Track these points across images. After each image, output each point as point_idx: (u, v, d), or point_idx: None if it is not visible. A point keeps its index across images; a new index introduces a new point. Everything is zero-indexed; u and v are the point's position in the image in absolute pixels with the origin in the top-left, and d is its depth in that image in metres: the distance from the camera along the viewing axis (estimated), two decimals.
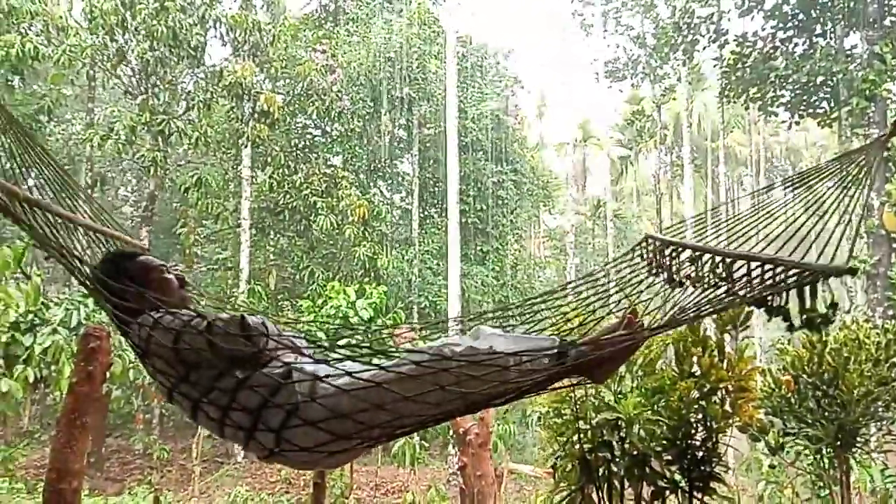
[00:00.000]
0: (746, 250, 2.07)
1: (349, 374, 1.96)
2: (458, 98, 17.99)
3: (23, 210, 2.09)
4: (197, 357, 1.99)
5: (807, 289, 1.73)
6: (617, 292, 2.57)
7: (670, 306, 2.25)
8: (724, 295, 2.10)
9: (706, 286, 2.19)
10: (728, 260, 2.11)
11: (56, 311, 10.56)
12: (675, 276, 2.39)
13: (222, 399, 1.98)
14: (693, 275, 2.30)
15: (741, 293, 2.01)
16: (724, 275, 2.13)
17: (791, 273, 1.80)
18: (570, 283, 2.87)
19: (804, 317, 1.75)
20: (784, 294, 1.83)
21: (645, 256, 2.63)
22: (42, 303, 10.53)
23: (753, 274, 1.96)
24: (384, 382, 1.93)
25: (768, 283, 1.89)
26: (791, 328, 1.83)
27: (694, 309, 2.19)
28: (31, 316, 10.41)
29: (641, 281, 2.52)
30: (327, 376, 1.96)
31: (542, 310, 2.57)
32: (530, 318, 2.56)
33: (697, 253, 2.30)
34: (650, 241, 2.62)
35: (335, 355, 2.05)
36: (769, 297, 1.88)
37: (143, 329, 2.05)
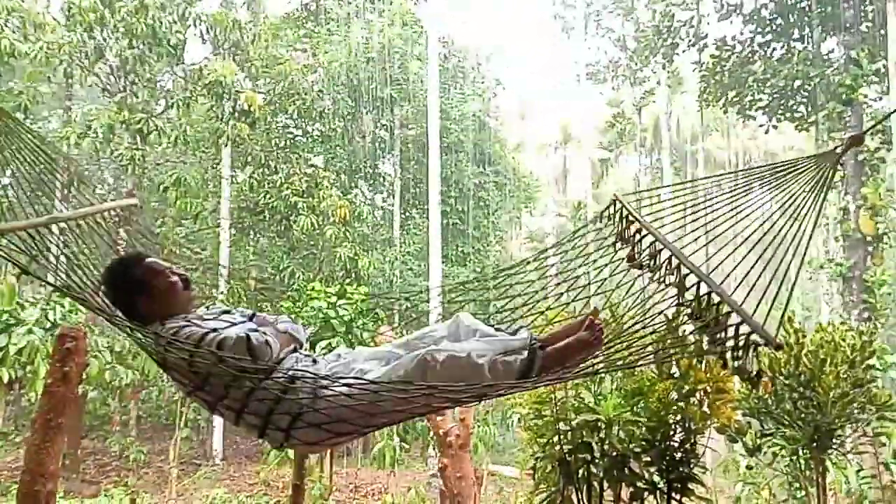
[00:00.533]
0: (702, 266, 2.12)
1: (346, 385, 2.22)
2: (439, 99, 18.00)
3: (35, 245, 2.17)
4: (209, 369, 2.22)
5: (741, 340, 1.78)
6: (582, 266, 2.72)
7: (612, 358, 2.42)
8: (676, 297, 2.20)
9: (659, 282, 2.29)
10: (683, 270, 2.17)
11: (31, 311, 10.42)
12: (636, 255, 2.48)
13: (235, 405, 2.25)
14: (651, 264, 2.37)
15: (687, 312, 2.09)
16: (675, 281, 2.18)
17: (728, 319, 1.88)
18: (541, 252, 3.09)
19: (735, 364, 1.79)
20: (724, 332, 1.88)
21: (611, 220, 2.70)
22: (17, 303, 10.38)
23: (701, 293, 2.00)
24: (378, 391, 2.20)
25: (710, 314, 1.93)
26: (724, 366, 1.90)
27: (651, 356, 2.35)
28: (6, 316, 10.26)
29: (604, 256, 2.68)
30: (326, 387, 2.21)
31: (515, 283, 2.90)
32: (505, 291, 2.93)
33: (659, 247, 2.36)
34: (617, 204, 2.69)
35: (331, 387, 2.25)
36: (711, 327, 1.94)
37: (160, 341, 2.27)
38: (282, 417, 2.21)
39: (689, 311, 2.08)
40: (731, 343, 1.77)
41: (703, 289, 2.03)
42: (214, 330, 2.26)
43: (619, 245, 2.66)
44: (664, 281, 2.25)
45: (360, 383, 2.21)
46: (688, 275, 2.13)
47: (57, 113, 19.73)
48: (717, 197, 2.51)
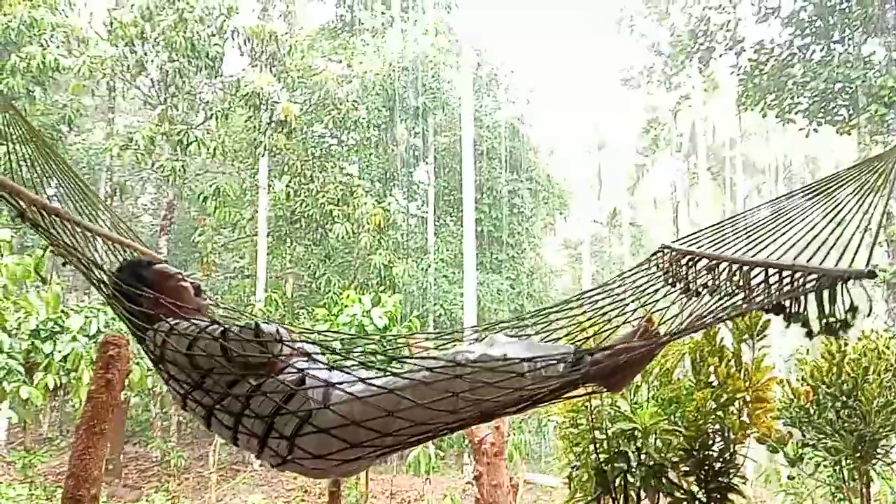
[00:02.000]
0: (764, 258, 2.06)
1: (362, 380, 1.97)
2: (473, 107, 18.04)
3: (41, 217, 2.13)
4: (211, 363, 2.00)
5: (825, 294, 1.71)
6: (632, 301, 2.56)
7: (687, 314, 2.25)
8: (741, 302, 2.09)
9: (723, 294, 2.18)
10: (745, 268, 2.09)
11: (76, 318, 10.66)
12: (691, 285, 2.38)
13: (235, 405, 2.00)
14: (710, 283, 2.28)
15: (758, 300, 1.99)
16: (741, 282, 2.11)
17: (809, 278, 1.78)
18: (585, 292, 2.85)
19: (823, 322, 1.72)
20: (802, 300, 1.81)
21: (661, 266, 2.61)
22: (62, 310, 10.64)
23: (771, 280, 1.94)
24: (397, 389, 1.93)
25: (786, 289, 1.87)
26: (810, 334, 1.81)
27: (711, 315, 2.18)
28: (50, 324, 10.52)
29: (657, 290, 2.51)
30: (341, 383, 1.97)
31: (558, 318, 2.54)
32: (545, 326, 2.53)
33: (714, 262, 2.29)
34: (666, 251, 2.61)
35: (349, 363, 2.08)
36: (787, 303, 1.86)
37: (158, 335, 2.08)
38: (288, 420, 1.95)
39: (761, 300, 2.02)
40: (823, 296, 1.70)
41: (772, 272, 1.97)
42: (219, 323, 2.10)
43: (671, 283, 2.56)
44: (731, 292, 2.19)
45: (378, 377, 1.99)
46: (752, 268, 2.08)
47: (100, 125, 20.22)
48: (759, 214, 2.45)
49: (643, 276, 2.65)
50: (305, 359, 2.08)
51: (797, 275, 1.84)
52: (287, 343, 2.04)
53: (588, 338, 2.41)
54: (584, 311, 2.63)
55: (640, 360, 2.21)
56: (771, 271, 1.94)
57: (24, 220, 2.07)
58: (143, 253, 2.79)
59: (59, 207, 2.26)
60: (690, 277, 2.39)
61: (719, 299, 2.18)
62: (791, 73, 17.44)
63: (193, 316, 2.16)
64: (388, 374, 2.02)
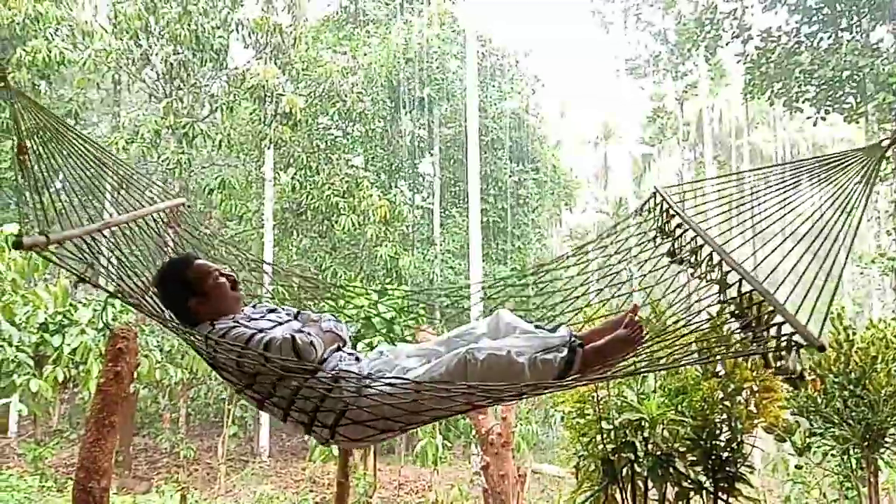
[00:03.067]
0: (744, 264, 2.08)
1: (389, 384, 2.27)
2: (478, 97, 17.99)
3: (90, 251, 2.29)
4: (256, 369, 2.31)
5: (783, 340, 1.74)
6: (622, 262, 2.69)
7: (648, 359, 2.40)
8: (717, 294, 2.19)
9: (700, 278, 2.26)
10: (724, 268, 2.13)
11: (84, 311, 10.72)
12: (676, 251, 2.44)
13: (282, 403, 2.33)
14: (692, 260, 2.33)
15: (730, 301, 2.05)
16: (717, 278, 2.14)
17: (772, 317, 1.84)
18: (581, 246, 3.03)
19: (777, 364, 1.75)
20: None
21: (651, 212, 2.66)
22: (70, 304, 10.70)
23: (743, 291, 1.96)
24: (420, 388, 2.24)
25: (751, 311, 1.90)
26: (767, 366, 1.86)
27: (677, 355, 2.30)
28: (59, 317, 10.58)
29: (644, 251, 2.63)
30: (371, 382, 2.28)
31: (554, 280, 2.92)
32: (543, 288, 2.94)
33: (700, 242, 2.32)
34: (658, 197, 2.66)
35: (374, 386, 2.32)
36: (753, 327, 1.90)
37: (209, 342, 2.35)
38: (327, 415, 2.28)
39: (731, 308, 2.05)
40: (773, 343, 1.73)
41: (745, 286, 1.99)
42: (261, 331, 2.35)
43: (659, 240, 2.63)
44: (706, 277, 2.22)
45: (401, 382, 2.26)
46: (729, 272, 2.09)
47: (106, 118, 20.24)
48: (762, 190, 2.46)
49: (636, 231, 2.75)
50: (336, 348, 2.43)
51: (764, 306, 1.86)
52: (318, 350, 2.34)
53: (581, 308, 2.77)
54: (580, 269, 2.90)
55: (624, 349, 2.42)
56: (745, 286, 2.03)
57: (85, 282, 2.24)
58: (170, 206, 3.01)
59: (64, 235, 2.27)
60: (677, 245, 2.46)
61: (698, 280, 2.30)
62: (798, 61, 17.28)
63: (234, 313, 2.48)
64: (408, 380, 2.31)
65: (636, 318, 2.37)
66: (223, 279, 2.54)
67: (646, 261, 2.60)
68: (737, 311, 1.99)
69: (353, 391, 2.27)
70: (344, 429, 2.29)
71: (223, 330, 2.36)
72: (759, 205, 2.45)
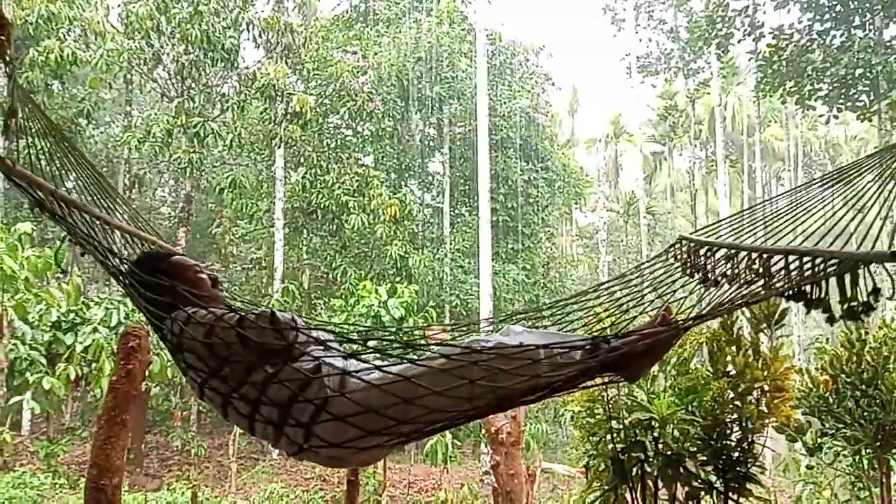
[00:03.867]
0: (784, 246, 2.05)
1: (379, 368, 1.97)
2: (488, 96, 17.97)
3: (59, 207, 2.16)
4: (228, 351, 2.00)
5: (847, 278, 1.69)
6: (650, 292, 2.56)
7: (706, 303, 2.24)
8: (760, 289, 2.08)
9: (742, 282, 2.17)
10: (765, 255, 2.08)
11: (96, 310, 10.80)
12: (710, 275, 2.37)
13: (252, 393, 1.99)
14: (729, 272, 2.27)
15: (778, 286, 1.98)
16: (760, 270, 2.09)
17: (830, 262, 1.76)
18: (602, 283, 2.86)
19: (845, 306, 1.70)
20: (823, 285, 1.80)
21: (679, 258, 2.60)
22: (83, 302, 10.79)
23: (791, 267, 1.93)
24: (414, 377, 1.94)
25: (807, 274, 1.86)
26: (831, 320, 1.79)
27: (730, 302, 2.18)
28: (72, 315, 10.67)
29: (675, 280, 2.50)
30: (357, 371, 1.97)
31: (575, 310, 2.54)
32: (562, 318, 2.52)
33: (733, 251, 2.27)
34: (684, 242, 2.60)
35: (365, 350, 2.07)
36: (807, 289, 1.85)
37: (175, 324, 2.08)
38: (304, 407, 1.96)
39: (782, 287, 2.01)
40: (845, 279, 1.69)
41: (792, 259, 1.96)
42: (235, 311, 2.11)
43: (689, 273, 2.56)
44: (750, 280, 2.18)
45: (394, 364, 2.00)
46: (772, 256, 2.06)
47: (118, 118, 20.36)
48: (779, 202, 2.43)
49: (661, 268, 2.64)
50: (321, 347, 2.06)
51: (818, 260, 1.82)
52: (303, 331, 2.03)
53: (605, 328, 2.40)
54: (601, 303, 2.64)
55: (656, 347, 2.20)
56: (791, 257, 1.92)
57: (42, 210, 2.09)
58: (161, 246, 2.81)
59: (76, 199, 2.28)
60: (709, 267, 2.37)
61: (738, 287, 2.17)
62: (811, 58, 17.17)
63: (210, 305, 2.14)
64: (404, 361, 2.03)
65: (669, 316, 2.17)
66: (203, 274, 2.35)
67: (675, 291, 2.52)
68: (792, 285, 1.95)
69: (337, 379, 1.97)
70: (323, 427, 1.94)
71: (195, 310, 2.07)
72: (775, 214, 2.39)
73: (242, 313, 2.04)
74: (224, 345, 2.00)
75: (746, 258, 2.20)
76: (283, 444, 2.05)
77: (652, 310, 2.42)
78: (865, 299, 1.65)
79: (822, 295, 1.82)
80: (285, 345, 1.99)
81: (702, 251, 2.46)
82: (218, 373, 2.04)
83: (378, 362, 2.04)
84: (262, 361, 1.99)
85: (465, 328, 2.88)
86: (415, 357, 2.05)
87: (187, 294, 2.13)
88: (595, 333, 2.30)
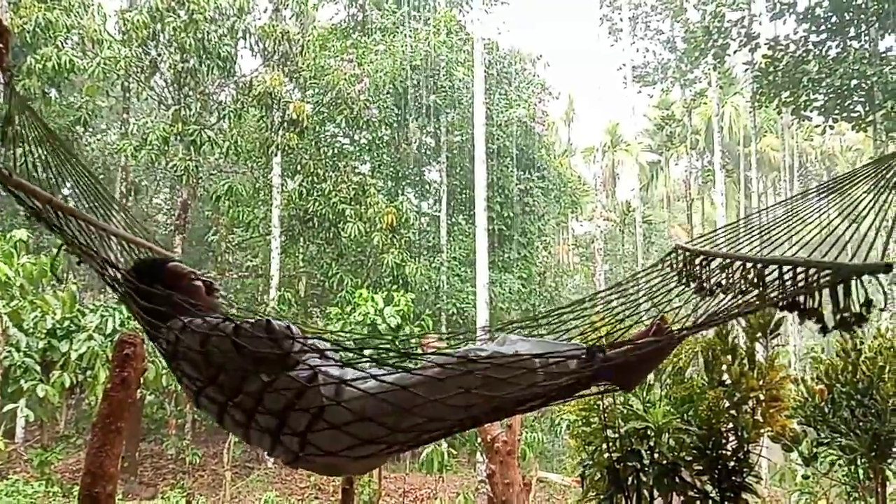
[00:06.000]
0: (779, 256, 2.06)
1: (375, 377, 1.97)
2: (485, 105, 18.02)
3: (56, 216, 2.16)
4: (224, 359, 1.99)
5: (840, 288, 1.70)
6: (645, 300, 2.57)
7: (701, 312, 2.25)
8: (754, 299, 2.09)
9: (737, 292, 2.18)
10: (759, 266, 2.09)
11: (91, 317, 10.77)
12: (705, 284, 2.38)
13: (248, 402, 1.99)
14: (724, 282, 2.28)
15: (773, 296, 1.99)
16: (755, 280, 2.10)
17: (824, 273, 1.77)
18: (598, 292, 2.87)
19: (838, 317, 1.71)
20: (817, 295, 1.81)
21: (675, 267, 2.61)
22: (78, 310, 10.75)
23: (785, 277, 1.94)
24: (409, 386, 1.95)
25: (800, 284, 1.87)
26: (824, 330, 1.81)
27: (725, 312, 2.19)
28: (67, 322, 10.63)
29: (671, 290, 2.51)
30: (353, 379, 1.98)
31: (570, 319, 2.56)
32: (558, 327, 2.54)
33: (728, 261, 2.28)
34: (680, 251, 2.61)
35: (361, 359, 2.06)
36: (801, 299, 1.86)
37: (171, 332, 2.08)
38: (300, 416, 1.96)
39: (775, 296, 2.02)
40: (839, 292, 1.69)
41: (786, 269, 1.97)
42: (231, 319, 2.09)
43: (685, 282, 2.57)
44: (745, 290, 2.19)
45: (390, 373, 2.01)
46: (766, 266, 2.07)
47: (114, 125, 20.36)
48: (775, 213, 2.44)
49: (657, 277, 2.65)
50: (317, 356, 2.05)
51: (811, 270, 1.83)
52: (298, 339, 2.02)
53: (601, 337, 2.41)
54: (598, 311, 2.65)
55: (652, 357, 2.23)
56: (785, 268, 1.94)
57: (38, 219, 2.09)
58: (158, 252, 2.80)
59: (73, 207, 2.28)
60: (704, 276, 2.39)
61: (733, 297, 2.18)
62: (806, 69, 17.25)
63: (207, 314, 2.14)
64: (400, 370, 2.03)
65: (664, 325, 2.19)
66: (198, 282, 2.35)
67: (670, 300, 2.53)
68: (786, 295, 1.96)
69: (333, 388, 1.97)
70: (319, 436, 1.95)
71: (188, 320, 2.07)
72: (767, 233, 2.40)
73: (238, 322, 2.02)
74: (220, 354, 1.99)
75: (741, 268, 2.21)
76: (279, 453, 2.05)
77: (647, 319, 2.44)
78: (858, 310, 1.66)
79: (816, 305, 1.83)
80: (281, 354, 1.97)
81: (697, 260, 2.47)
82: (214, 381, 2.03)
83: (375, 370, 2.04)
84: (258, 370, 1.98)
85: (461, 336, 2.88)
86: (411, 366, 2.05)
87: (183, 303, 2.12)
88: (591, 342, 2.31)
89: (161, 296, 2.15)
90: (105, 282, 2.35)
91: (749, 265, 2.15)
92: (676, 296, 2.46)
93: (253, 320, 2.04)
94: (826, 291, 1.75)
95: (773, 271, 2.00)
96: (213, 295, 2.36)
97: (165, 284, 2.23)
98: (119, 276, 2.27)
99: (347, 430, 1.94)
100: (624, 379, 2.26)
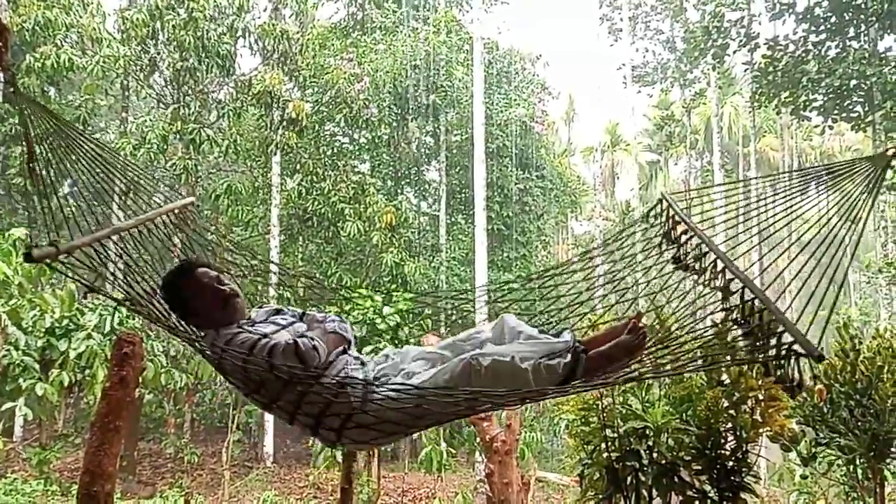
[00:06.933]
0: (750, 277, 2.09)
1: (395, 390, 2.32)
2: (484, 105, 18.00)
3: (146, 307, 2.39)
4: (262, 377, 2.36)
5: (783, 350, 1.74)
6: (627, 269, 2.69)
7: (666, 363, 2.39)
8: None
9: (704, 284, 2.27)
10: (728, 275, 2.14)
11: (90, 316, 10.75)
12: (681, 257, 2.46)
13: (288, 407, 2.37)
14: (697, 267, 2.35)
15: (731, 308, 2.06)
16: (721, 285, 2.15)
17: (774, 326, 1.84)
18: (585, 252, 3.07)
19: (778, 373, 1.76)
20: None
21: (658, 219, 2.67)
22: (77, 308, 10.73)
23: (746, 299, 1.97)
24: (426, 395, 2.29)
25: (750, 318, 1.90)
26: (767, 374, 1.87)
27: (690, 364, 2.35)
28: (66, 321, 10.60)
29: (650, 257, 2.65)
30: (377, 387, 2.33)
31: (559, 285, 2.92)
32: (548, 293, 2.95)
33: (705, 249, 2.33)
34: (664, 203, 2.67)
35: (379, 392, 2.36)
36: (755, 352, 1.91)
37: (215, 348, 2.40)
38: (333, 419, 2.33)
39: (734, 316, 2.05)
40: (773, 352, 1.73)
41: (748, 294, 1.99)
42: (265, 336, 2.38)
43: (664, 246, 2.64)
44: (710, 284, 2.22)
45: (406, 388, 2.30)
46: (732, 280, 2.09)
47: (114, 124, 20.33)
48: (769, 197, 2.47)
49: (640, 236, 2.77)
50: (342, 351, 2.46)
51: (765, 315, 1.87)
52: (322, 355, 2.36)
53: (585, 314, 2.78)
54: (584, 278, 2.91)
55: (623, 357, 2.43)
56: (747, 293, 2.03)
57: (91, 290, 2.26)
58: (173, 209, 3.01)
59: (71, 245, 2.24)
60: (682, 251, 2.48)
61: (704, 284, 2.28)
62: (806, 69, 17.24)
63: (239, 319, 2.49)
64: (415, 376, 2.38)
65: (640, 324, 2.37)
66: (226, 288, 2.56)
67: (650, 267, 2.61)
68: (739, 319, 1.99)
69: (359, 397, 2.31)
70: (350, 432, 2.34)
71: (227, 336, 2.39)
72: (765, 211, 2.45)
73: (272, 344, 2.33)
74: (258, 370, 2.34)
75: (713, 265, 2.24)
76: (319, 440, 2.49)
77: (627, 288, 2.68)
78: (791, 381, 1.70)
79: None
80: (310, 373, 2.31)
81: (679, 228, 2.53)
82: (258, 391, 2.40)
83: (390, 372, 2.43)
84: (292, 383, 2.32)
85: (462, 297, 3.24)
86: (423, 379, 2.36)
87: (211, 316, 2.46)
88: (575, 323, 2.72)
89: (189, 309, 2.49)
90: (154, 323, 2.58)
91: (720, 265, 2.19)
92: (655, 262, 2.59)
93: (283, 343, 2.34)
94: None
95: (737, 290, 2.04)
96: (239, 297, 2.60)
97: (195, 294, 2.50)
98: (158, 308, 2.49)
99: (373, 428, 2.33)
100: (595, 372, 2.46)
